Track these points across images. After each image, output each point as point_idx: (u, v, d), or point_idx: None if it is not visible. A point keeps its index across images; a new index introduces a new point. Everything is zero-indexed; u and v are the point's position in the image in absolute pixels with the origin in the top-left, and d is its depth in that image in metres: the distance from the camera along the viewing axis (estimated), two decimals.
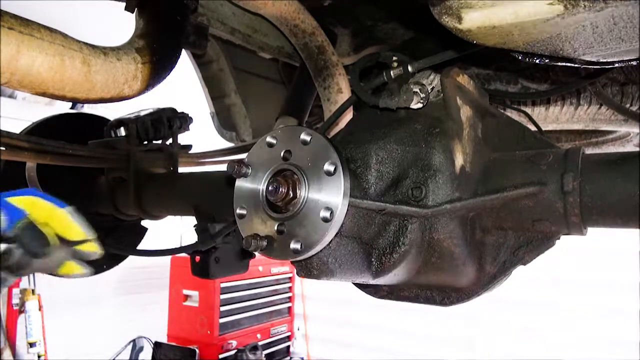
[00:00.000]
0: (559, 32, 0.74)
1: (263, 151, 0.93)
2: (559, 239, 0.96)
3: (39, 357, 4.18)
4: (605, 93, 1.65)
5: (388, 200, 0.94)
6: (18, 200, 0.75)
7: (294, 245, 0.85)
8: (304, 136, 0.88)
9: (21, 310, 4.22)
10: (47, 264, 0.79)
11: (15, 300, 4.25)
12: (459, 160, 0.97)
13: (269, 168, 0.91)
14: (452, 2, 0.75)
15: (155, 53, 1.14)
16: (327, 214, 0.84)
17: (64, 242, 0.81)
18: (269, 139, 0.92)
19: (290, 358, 6.32)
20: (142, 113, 1.92)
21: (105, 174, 1.90)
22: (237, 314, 5.55)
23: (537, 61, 0.84)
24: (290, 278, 6.35)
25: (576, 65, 0.83)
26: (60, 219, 0.79)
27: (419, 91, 0.97)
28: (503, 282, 1.00)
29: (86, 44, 1.00)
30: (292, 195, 0.87)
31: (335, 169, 0.85)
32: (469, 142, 1.02)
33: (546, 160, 0.96)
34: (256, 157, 0.94)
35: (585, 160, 0.93)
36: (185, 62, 1.67)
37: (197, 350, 5.06)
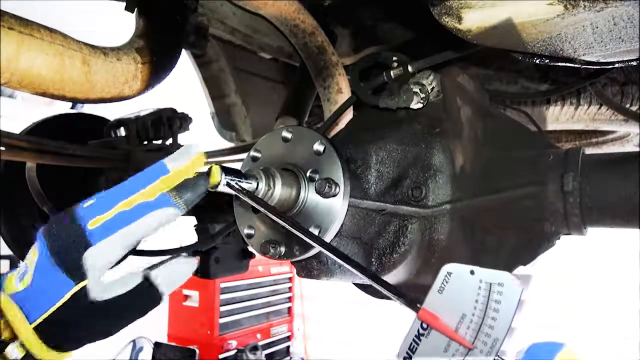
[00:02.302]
0: (559, 32, 0.74)
1: (275, 143, 0.91)
2: (559, 239, 0.96)
3: None
4: (605, 93, 1.65)
5: (388, 200, 0.94)
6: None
7: (314, 230, 0.84)
8: (317, 146, 0.86)
9: None
10: None
11: None
12: (459, 160, 0.97)
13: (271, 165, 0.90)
14: (452, 2, 0.75)
15: (155, 53, 1.14)
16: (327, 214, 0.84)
17: None
18: (285, 134, 0.90)
19: (291, 358, 6.32)
20: (142, 113, 1.92)
21: (105, 174, 1.90)
22: (237, 314, 5.55)
23: (537, 61, 0.84)
24: (290, 278, 6.34)
25: (576, 66, 0.83)
26: None
27: (419, 91, 0.97)
28: None
29: (86, 44, 1.00)
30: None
31: (336, 187, 0.83)
32: (469, 142, 1.02)
33: (546, 160, 0.96)
34: (265, 148, 0.92)
35: (586, 161, 0.93)
36: (185, 62, 1.67)
37: (197, 350, 5.06)
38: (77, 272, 0.62)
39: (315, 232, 0.84)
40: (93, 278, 0.63)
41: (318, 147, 0.85)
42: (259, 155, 0.92)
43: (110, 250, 0.64)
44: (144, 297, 0.68)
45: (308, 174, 0.85)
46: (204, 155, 0.70)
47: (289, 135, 0.88)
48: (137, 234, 0.65)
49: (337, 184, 0.83)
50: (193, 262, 0.73)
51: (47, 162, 1.55)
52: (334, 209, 0.84)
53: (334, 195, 0.83)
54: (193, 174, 0.69)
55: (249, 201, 0.76)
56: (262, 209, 0.76)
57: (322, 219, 0.84)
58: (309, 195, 0.86)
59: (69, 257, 0.62)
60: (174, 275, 0.71)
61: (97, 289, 0.64)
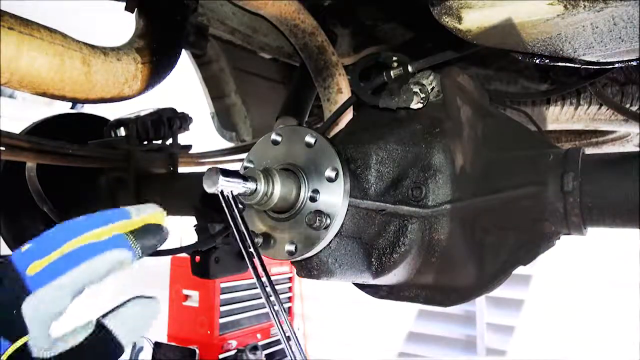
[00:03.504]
0: (559, 32, 0.74)
1: (267, 148, 0.93)
2: (559, 239, 0.96)
3: None
4: (605, 93, 1.65)
5: (388, 200, 0.94)
6: None
7: (289, 247, 0.86)
8: (308, 138, 0.88)
9: None
10: None
11: None
12: (459, 160, 0.97)
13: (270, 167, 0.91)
14: (452, 2, 0.75)
15: (155, 53, 1.14)
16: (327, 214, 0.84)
17: None
18: (274, 137, 0.92)
19: None
20: (142, 113, 1.92)
21: (105, 174, 1.90)
22: (237, 314, 5.54)
23: (537, 61, 0.84)
24: (290, 278, 6.34)
25: (576, 66, 0.83)
26: None
27: (419, 91, 0.97)
28: (503, 282, 1.00)
29: (86, 44, 1.00)
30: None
31: (336, 175, 0.85)
32: (469, 142, 1.02)
33: (546, 160, 0.96)
34: (259, 155, 0.93)
35: (585, 160, 0.93)
36: (185, 62, 1.67)
37: (197, 350, 5.05)
38: (12, 328, 0.53)
39: (291, 248, 0.86)
40: (36, 332, 0.54)
41: (329, 173, 0.85)
42: (279, 139, 0.92)
43: (54, 298, 0.55)
44: (100, 350, 0.58)
45: (309, 193, 0.86)
46: (164, 214, 0.64)
47: (312, 141, 0.88)
48: (84, 278, 0.56)
49: (328, 216, 0.84)
50: (155, 304, 0.63)
51: (47, 162, 1.55)
52: (332, 214, 0.85)
53: (325, 228, 0.84)
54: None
55: (225, 208, 0.76)
56: (230, 219, 0.77)
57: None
58: (310, 195, 0.86)
59: (2, 311, 0.53)
60: (134, 321, 0.60)
61: (42, 344, 0.54)
